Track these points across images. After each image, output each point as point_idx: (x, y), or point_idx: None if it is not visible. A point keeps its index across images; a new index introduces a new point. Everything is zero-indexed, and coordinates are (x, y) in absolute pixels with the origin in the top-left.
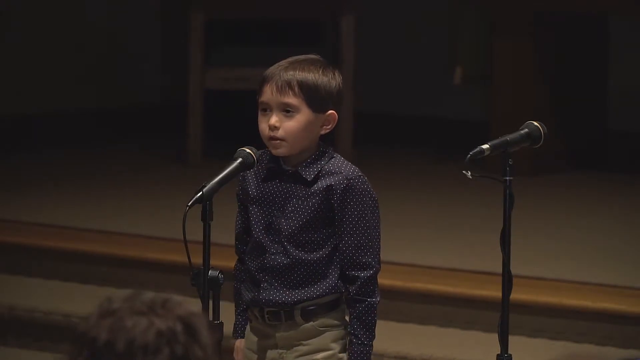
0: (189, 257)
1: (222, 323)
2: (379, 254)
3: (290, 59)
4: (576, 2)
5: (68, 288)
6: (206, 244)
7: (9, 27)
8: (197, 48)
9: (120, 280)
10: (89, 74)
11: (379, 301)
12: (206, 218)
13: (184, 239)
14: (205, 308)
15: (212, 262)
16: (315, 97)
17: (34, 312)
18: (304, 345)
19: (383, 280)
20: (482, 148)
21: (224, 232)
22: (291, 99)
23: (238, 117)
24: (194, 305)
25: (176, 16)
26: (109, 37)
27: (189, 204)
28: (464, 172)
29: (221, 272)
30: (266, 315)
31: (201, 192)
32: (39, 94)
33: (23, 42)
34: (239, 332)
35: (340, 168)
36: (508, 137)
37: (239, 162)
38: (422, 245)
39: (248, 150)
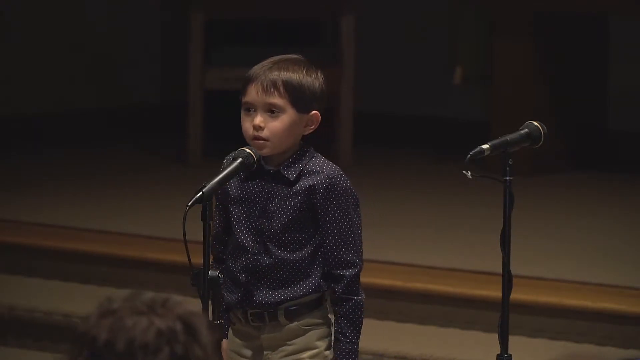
0: (189, 257)
1: (222, 323)
2: (362, 252)
3: (273, 59)
4: (576, 2)
5: (68, 288)
6: (206, 244)
7: (9, 27)
8: (197, 48)
9: (120, 280)
10: (89, 74)
11: (364, 298)
12: (206, 218)
13: (184, 239)
14: (205, 308)
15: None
16: (300, 98)
17: (34, 312)
18: (289, 345)
19: (383, 280)
20: (482, 148)
21: None
22: (276, 99)
23: (238, 117)
24: (194, 305)
25: (176, 16)
26: (109, 37)
27: (189, 204)
28: (464, 172)
29: (221, 272)
30: (250, 317)
31: (201, 192)
32: (39, 94)
33: (23, 42)
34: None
35: (321, 167)
36: (508, 137)
37: (239, 162)
38: (422, 245)
39: (248, 150)
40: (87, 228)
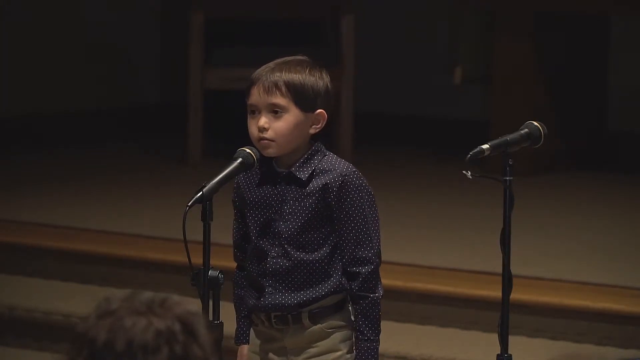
0: (189, 257)
1: (222, 323)
2: (379, 248)
3: (277, 61)
4: (576, 2)
5: (68, 288)
6: (206, 244)
7: (8, 27)
8: (197, 48)
9: (120, 280)
10: (89, 74)
11: (382, 295)
12: (206, 218)
13: (184, 239)
14: (205, 308)
15: (212, 262)
16: (303, 97)
17: (34, 312)
18: (313, 347)
19: (383, 280)
20: (482, 148)
21: (224, 232)
22: (279, 100)
23: (238, 117)
24: (194, 305)
25: (176, 16)
26: (109, 37)
27: (189, 204)
28: (464, 172)
29: (221, 272)
30: (273, 320)
31: (201, 192)
32: (39, 94)
33: (23, 42)
34: (241, 339)
35: (334, 165)
36: (508, 137)
37: (239, 162)
38: (422, 245)
39: (248, 150)
40: (87, 228)
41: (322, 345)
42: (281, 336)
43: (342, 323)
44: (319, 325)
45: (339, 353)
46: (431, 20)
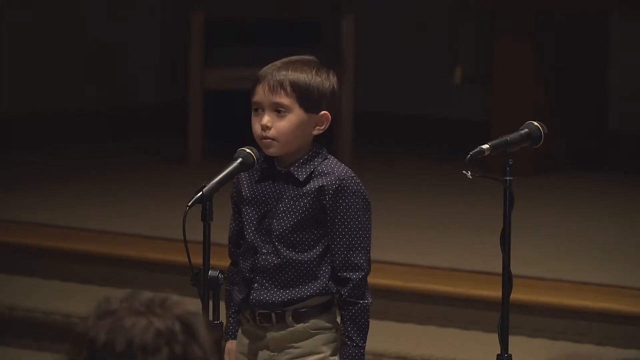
0: (189, 257)
1: (222, 323)
2: (370, 256)
3: (284, 60)
4: (576, 2)
5: (68, 288)
6: (206, 244)
7: (8, 27)
8: (197, 48)
9: (120, 280)
10: (89, 74)
11: (370, 302)
12: (206, 218)
13: (184, 239)
14: (205, 308)
15: (212, 262)
16: (307, 97)
17: (34, 312)
18: (295, 348)
19: (383, 280)
20: (482, 148)
21: (224, 232)
22: (283, 99)
23: (238, 117)
24: (194, 305)
25: (176, 16)
26: (109, 37)
27: (189, 204)
28: (464, 172)
29: (221, 272)
30: (257, 318)
31: (201, 192)
32: (39, 94)
33: (23, 42)
34: (230, 334)
35: (332, 169)
36: (508, 137)
37: (239, 162)
38: (422, 245)
39: (248, 150)
40: (87, 228)
41: (304, 346)
42: (264, 334)
43: (327, 325)
44: (301, 325)
45: (320, 355)
46: (431, 20)
